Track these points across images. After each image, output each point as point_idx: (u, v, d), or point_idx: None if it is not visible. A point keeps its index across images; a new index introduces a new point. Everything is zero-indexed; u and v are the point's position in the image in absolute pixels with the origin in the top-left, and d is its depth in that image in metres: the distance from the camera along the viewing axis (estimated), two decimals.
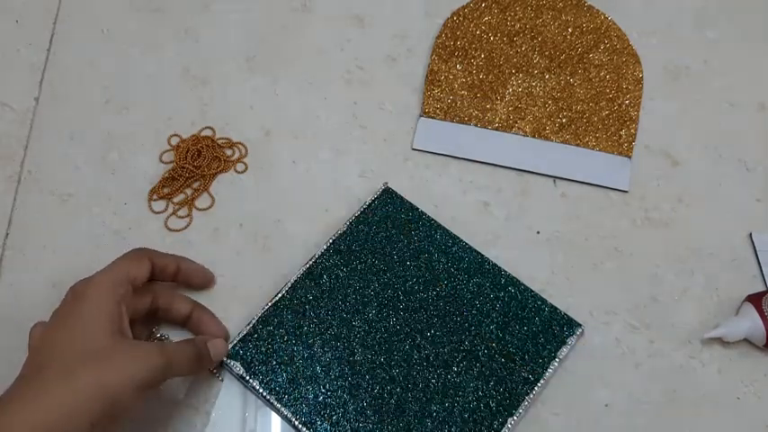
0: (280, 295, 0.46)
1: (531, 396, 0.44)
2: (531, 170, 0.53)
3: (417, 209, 0.50)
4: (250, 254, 0.49)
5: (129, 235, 0.49)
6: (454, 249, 0.48)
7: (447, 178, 0.52)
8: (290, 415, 0.43)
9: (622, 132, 0.54)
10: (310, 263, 0.47)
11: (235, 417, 0.44)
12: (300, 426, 0.42)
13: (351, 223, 0.49)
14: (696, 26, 0.59)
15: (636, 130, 0.54)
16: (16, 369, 0.37)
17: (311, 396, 0.43)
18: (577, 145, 0.53)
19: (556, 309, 0.47)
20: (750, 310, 0.46)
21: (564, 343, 0.45)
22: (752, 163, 0.54)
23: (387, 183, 0.51)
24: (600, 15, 0.58)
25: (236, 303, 0.47)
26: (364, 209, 0.49)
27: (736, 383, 0.46)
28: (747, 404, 0.45)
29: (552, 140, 0.53)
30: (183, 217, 0.50)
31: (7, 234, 0.49)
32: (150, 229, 0.50)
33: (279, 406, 0.43)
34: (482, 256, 0.48)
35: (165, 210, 0.50)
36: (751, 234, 0.51)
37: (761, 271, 0.50)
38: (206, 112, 0.54)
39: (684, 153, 0.54)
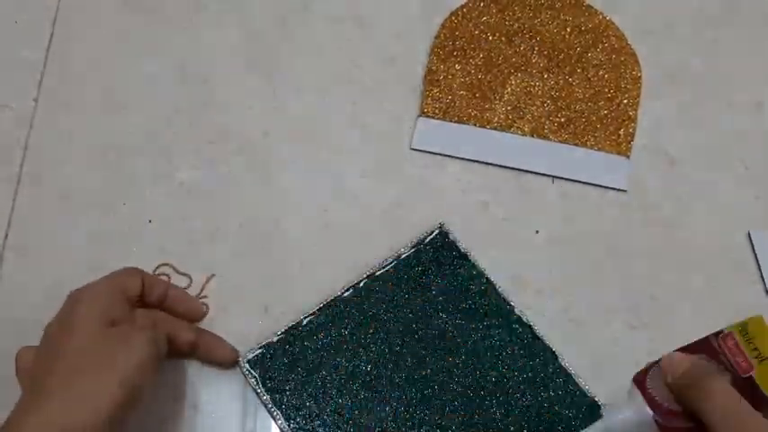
0: (313, 314, 0.46)
1: None
2: (529, 169, 0.53)
3: (469, 260, 0.48)
4: (249, 254, 0.49)
5: (127, 235, 0.49)
6: (510, 327, 0.46)
7: (446, 178, 0.53)
8: None
9: (621, 132, 0.54)
10: (350, 290, 0.46)
11: (235, 417, 0.44)
12: None
13: (399, 261, 0.47)
14: (694, 25, 0.59)
15: (634, 129, 0.54)
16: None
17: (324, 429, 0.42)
18: (576, 144, 0.53)
19: (582, 392, 0.45)
20: (635, 396, 0.37)
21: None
22: (750, 162, 0.54)
23: (442, 223, 0.49)
24: (598, 15, 0.58)
25: (236, 306, 0.47)
26: (416, 248, 0.48)
27: None
28: None
29: (551, 140, 0.54)
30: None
31: (7, 234, 0.49)
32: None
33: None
34: (534, 334, 0.46)
35: None
36: (749, 232, 0.51)
37: (759, 269, 0.50)
38: (205, 111, 0.54)
39: (683, 152, 0.54)
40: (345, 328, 0.45)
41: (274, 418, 0.43)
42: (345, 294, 0.46)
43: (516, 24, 0.58)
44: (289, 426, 0.42)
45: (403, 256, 0.48)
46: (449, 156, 0.53)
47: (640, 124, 0.54)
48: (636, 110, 0.55)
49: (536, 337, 0.46)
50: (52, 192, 0.51)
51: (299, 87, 0.56)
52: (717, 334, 0.36)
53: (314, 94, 0.55)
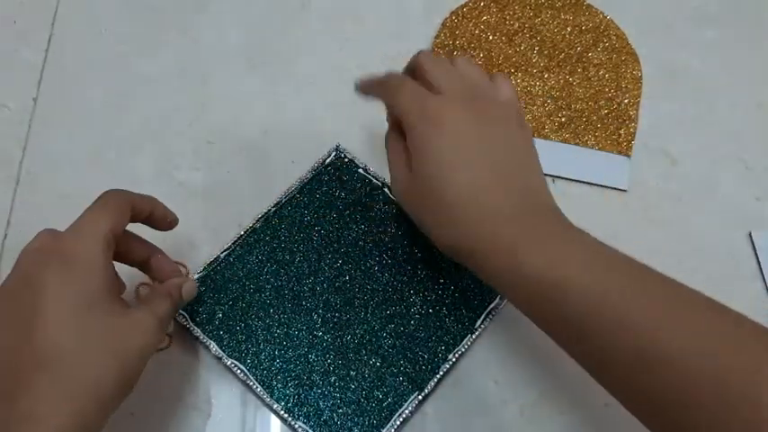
0: (229, 248, 0.48)
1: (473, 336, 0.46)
2: None
3: (369, 174, 0.51)
4: None
5: None
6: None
7: None
8: (241, 373, 0.44)
9: (621, 131, 0.54)
10: (260, 221, 0.49)
11: (235, 417, 0.44)
12: (256, 385, 0.44)
13: (303, 186, 0.50)
14: (695, 25, 0.59)
15: (635, 129, 0.54)
16: None
17: (266, 353, 0.45)
18: (576, 144, 0.53)
19: None
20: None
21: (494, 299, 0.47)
22: (751, 162, 0.54)
23: (338, 143, 0.52)
24: (599, 14, 0.58)
25: None
26: (316, 171, 0.51)
27: None
28: None
29: (551, 139, 0.53)
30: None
31: (6, 235, 0.49)
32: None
33: (228, 361, 0.44)
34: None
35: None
36: (750, 233, 0.51)
37: (760, 270, 0.50)
38: (204, 111, 0.54)
39: (684, 152, 0.54)
40: (262, 255, 0.48)
41: (208, 348, 0.45)
42: (257, 225, 0.49)
43: (517, 24, 0.58)
44: (223, 351, 0.45)
45: (306, 181, 0.50)
46: None
47: (641, 124, 0.54)
48: (636, 109, 0.55)
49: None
50: (52, 192, 0.51)
51: (298, 87, 0.56)
52: None
53: (314, 94, 0.55)
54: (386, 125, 0.54)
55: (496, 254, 0.36)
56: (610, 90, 0.55)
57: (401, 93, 0.40)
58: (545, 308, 0.35)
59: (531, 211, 0.37)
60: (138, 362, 0.36)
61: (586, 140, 0.54)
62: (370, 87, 0.44)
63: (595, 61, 0.56)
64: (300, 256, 0.48)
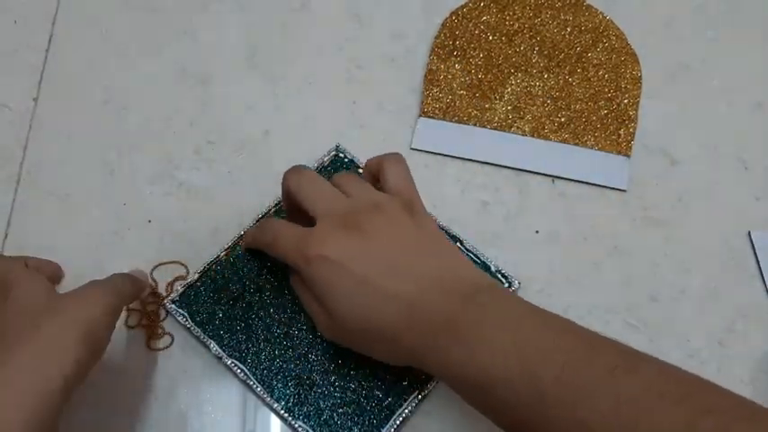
0: (229, 248, 0.48)
1: None
2: (529, 169, 0.53)
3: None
4: None
5: (127, 235, 0.49)
6: None
7: (446, 178, 0.53)
8: (241, 372, 0.44)
9: (621, 131, 0.54)
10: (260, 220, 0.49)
11: (235, 417, 0.44)
12: (256, 385, 0.44)
13: None
14: (695, 25, 0.59)
15: (635, 129, 0.54)
16: None
17: (266, 353, 0.45)
18: (576, 144, 0.53)
19: (488, 266, 0.48)
20: None
21: None
22: (750, 162, 0.54)
23: (338, 144, 0.52)
24: (598, 14, 0.58)
25: None
26: (317, 171, 0.51)
27: (735, 382, 0.46)
28: None
29: (551, 140, 0.54)
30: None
31: (6, 235, 0.49)
32: (148, 230, 0.50)
33: (228, 361, 0.44)
34: None
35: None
36: (750, 233, 0.51)
37: (759, 270, 0.50)
38: (205, 111, 0.54)
39: (683, 152, 0.54)
40: (263, 254, 0.46)
41: (208, 347, 0.45)
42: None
43: (516, 24, 0.58)
44: (223, 351, 0.45)
45: None
46: (449, 156, 0.53)
47: (640, 124, 0.54)
48: (636, 110, 0.55)
49: (439, 228, 0.49)
50: (52, 192, 0.51)
51: (299, 87, 0.56)
52: None
53: (314, 94, 0.55)
54: (385, 125, 0.55)
55: (434, 356, 0.36)
56: (609, 90, 0.55)
57: (278, 241, 0.41)
58: (477, 401, 0.36)
59: (448, 302, 0.36)
60: (97, 318, 0.37)
61: (586, 141, 0.54)
62: (250, 243, 0.47)
63: (595, 61, 0.56)
64: None
